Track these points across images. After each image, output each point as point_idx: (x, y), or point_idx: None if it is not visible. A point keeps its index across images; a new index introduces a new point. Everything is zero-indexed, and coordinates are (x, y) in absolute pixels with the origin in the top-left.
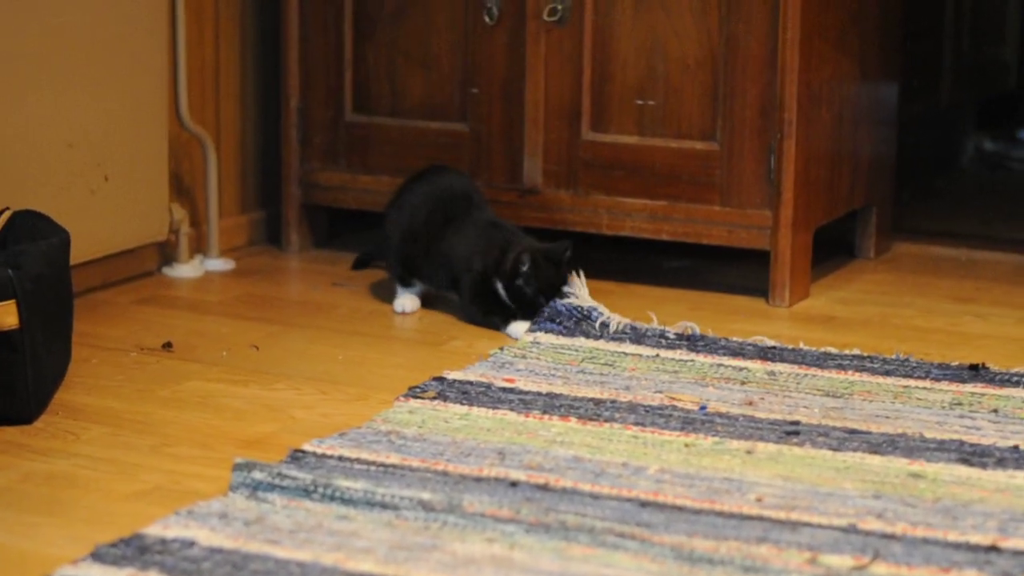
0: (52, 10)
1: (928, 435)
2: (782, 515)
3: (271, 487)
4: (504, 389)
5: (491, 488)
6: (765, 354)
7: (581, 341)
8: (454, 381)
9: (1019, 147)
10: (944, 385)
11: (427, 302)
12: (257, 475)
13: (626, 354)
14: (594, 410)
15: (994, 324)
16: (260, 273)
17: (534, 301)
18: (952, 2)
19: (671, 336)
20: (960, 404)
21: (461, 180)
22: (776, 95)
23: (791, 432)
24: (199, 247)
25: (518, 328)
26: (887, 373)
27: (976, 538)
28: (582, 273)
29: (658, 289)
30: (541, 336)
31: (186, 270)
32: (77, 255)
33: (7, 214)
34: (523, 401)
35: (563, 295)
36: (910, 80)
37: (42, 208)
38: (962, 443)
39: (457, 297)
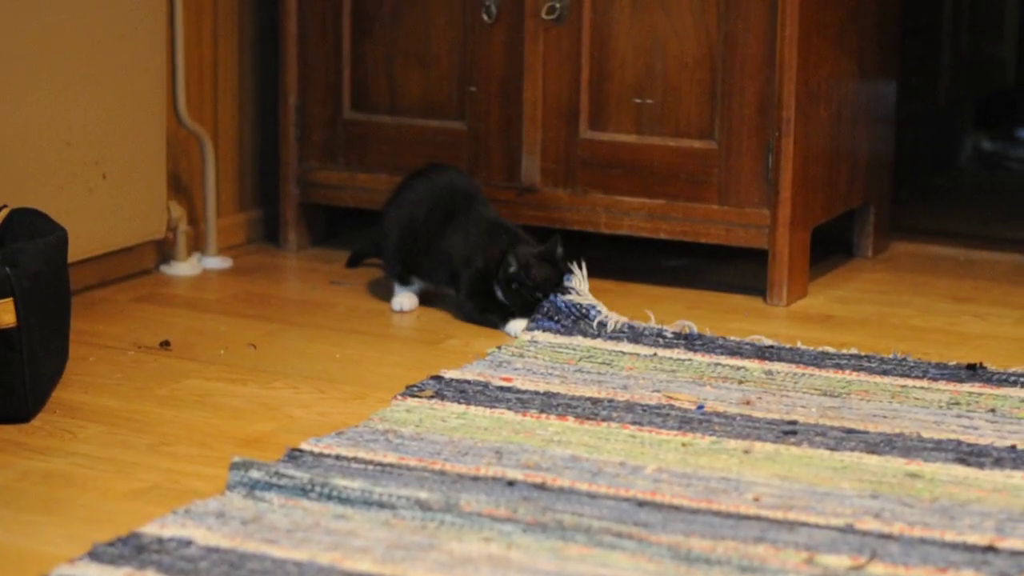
0: (50, 8)
1: (925, 435)
2: (779, 515)
3: (268, 486)
4: (501, 388)
5: (488, 487)
6: (763, 353)
7: (579, 340)
8: (451, 380)
9: (1017, 146)
10: (942, 385)
11: (425, 300)
12: (254, 474)
13: (624, 353)
14: (591, 409)
15: (992, 324)
16: (258, 271)
17: (530, 300)
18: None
19: (669, 335)
20: (958, 404)
21: (462, 178)
22: (774, 93)
23: (788, 432)
24: (197, 245)
25: (516, 326)
26: (885, 373)
27: (973, 538)
28: (584, 266)
29: (656, 288)
30: (539, 335)
31: (184, 268)
32: (75, 253)
33: (5, 212)
34: (520, 400)
35: (563, 290)
36: (908, 78)
37: (40, 206)
38: (959, 443)
39: (455, 293)
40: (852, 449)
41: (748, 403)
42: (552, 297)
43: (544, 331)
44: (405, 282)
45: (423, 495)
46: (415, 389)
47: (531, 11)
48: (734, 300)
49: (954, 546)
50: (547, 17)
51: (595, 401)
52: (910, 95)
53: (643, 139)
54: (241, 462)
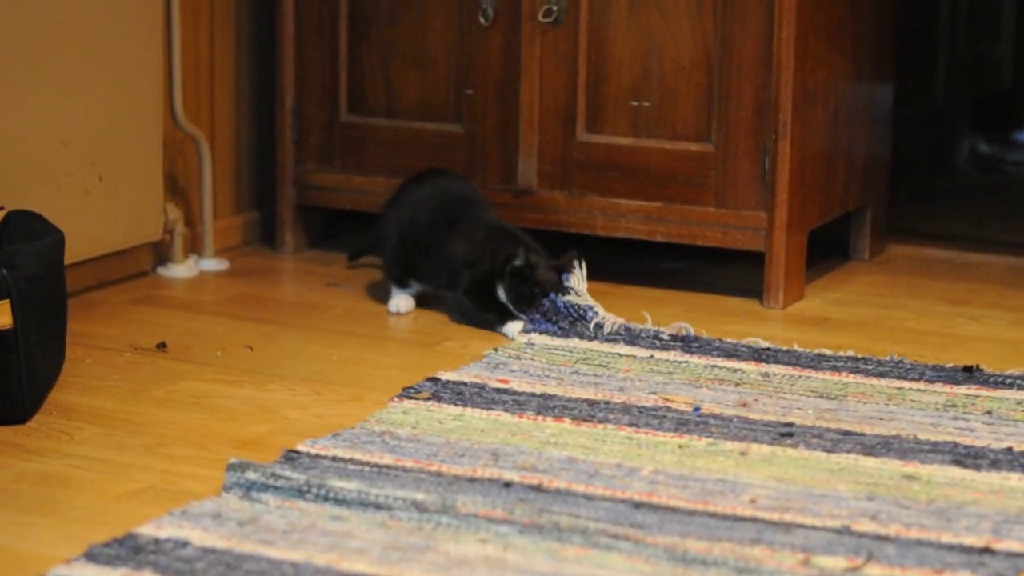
0: (47, 9)
1: (922, 437)
2: (776, 516)
3: (265, 487)
4: (498, 390)
5: (485, 489)
6: (759, 355)
7: (575, 342)
8: (448, 382)
9: (1014, 149)
10: (938, 387)
11: (422, 303)
12: (251, 475)
13: (620, 355)
14: (588, 411)
15: (988, 326)
16: (255, 273)
17: (529, 296)
18: (947, 1)
19: (665, 337)
20: (954, 406)
21: (463, 183)
22: (771, 96)
23: (785, 434)
24: (194, 247)
25: (513, 328)
26: (881, 375)
27: (970, 540)
28: (583, 265)
29: (652, 290)
30: (535, 337)
31: (181, 270)
32: (72, 255)
33: (2, 214)
34: (517, 402)
35: (563, 290)
36: (905, 80)
37: (37, 208)
38: (956, 445)
39: (452, 293)
40: (848, 451)
41: (745, 405)
42: (552, 296)
43: (541, 333)
44: (403, 285)
45: (419, 496)
46: (412, 391)
47: (528, 14)
48: (731, 302)
49: (950, 548)
50: (544, 20)
51: (592, 403)
52: (907, 97)
53: (640, 142)
54: (237, 463)
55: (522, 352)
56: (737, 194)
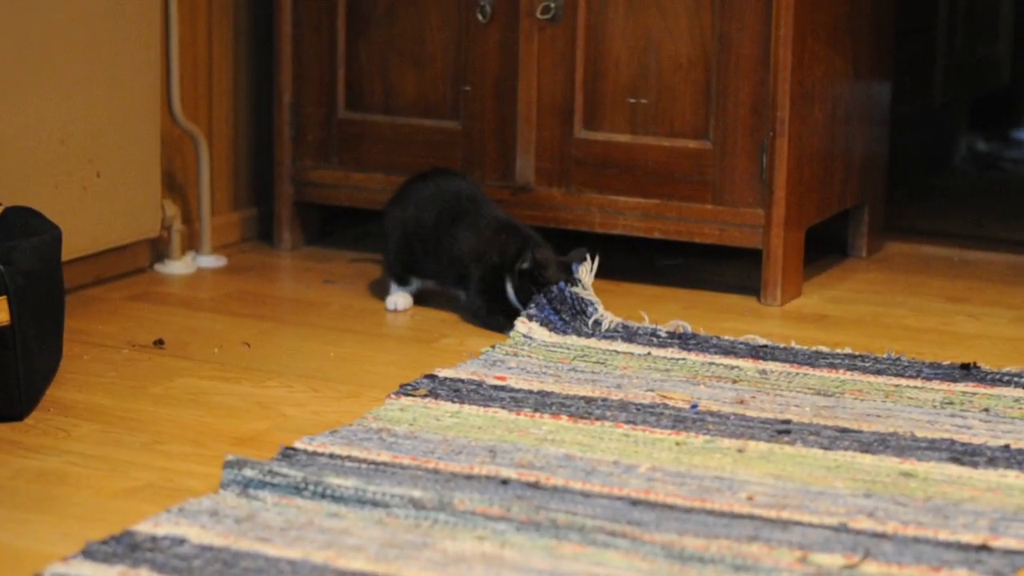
0: (45, 8)
1: (919, 434)
2: (773, 514)
3: (262, 484)
4: (495, 387)
5: (482, 486)
6: (756, 353)
7: (573, 339)
8: (445, 379)
9: (1012, 147)
10: (935, 384)
11: (419, 299)
12: (248, 472)
13: (618, 352)
14: (585, 408)
15: (986, 324)
16: (252, 270)
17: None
18: (945, 0)
19: (663, 334)
20: (951, 403)
21: (467, 182)
22: (769, 93)
23: (782, 431)
24: (191, 244)
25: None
26: (878, 372)
27: (967, 537)
28: (590, 259)
29: (650, 287)
30: (535, 329)
31: (178, 267)
32: (69, 251)
33: (0, 210)
34: (514, 399)
35: (572, 281)
36: (903, 78)
37: (34, 204)
38: (953, 442)
39: (464, 295)
40: (846, 448)
41: (742, 402)
42: (561, 285)
43: (542, 325)
44: (403, 282)
45: (417, 494)
46: (409, 388)
47: (526, 11)
48: (728, 300)
49: (948, 545)
50: (542, 17)
51: (589, 400)
52: (905, 95)
53: (637, 139)
54: (235, 460)
55: (519, 349)
56: (735, 191)
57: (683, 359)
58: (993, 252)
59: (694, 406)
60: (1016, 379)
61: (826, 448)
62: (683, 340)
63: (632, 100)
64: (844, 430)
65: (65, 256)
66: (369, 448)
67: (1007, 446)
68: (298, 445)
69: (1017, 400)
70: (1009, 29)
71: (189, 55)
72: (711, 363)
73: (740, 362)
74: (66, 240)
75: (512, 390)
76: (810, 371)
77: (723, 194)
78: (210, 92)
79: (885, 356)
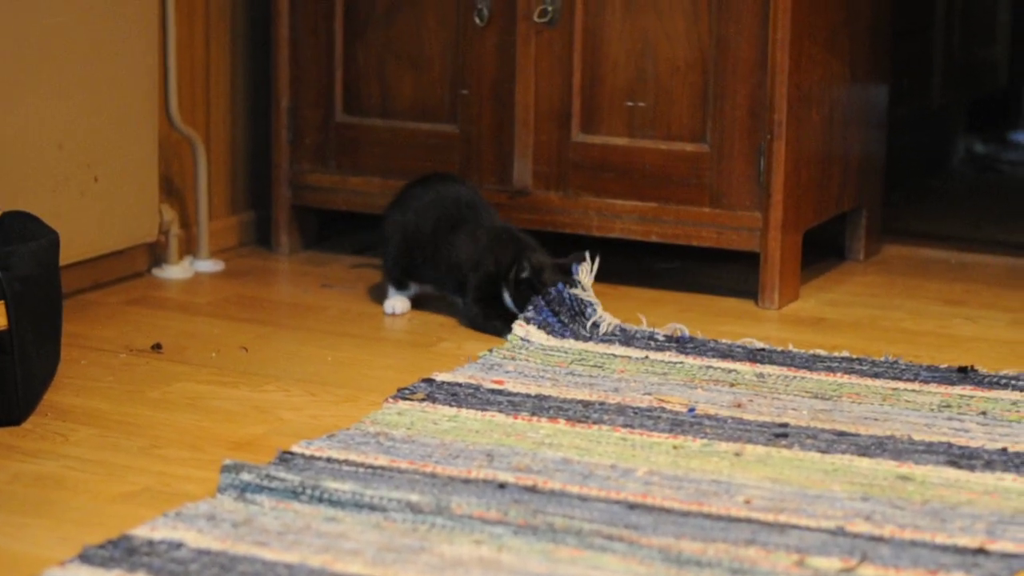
0: (42, 11)
1: (916, 437)
2: (770, 517)
3: (259, 489)
4: (493, 391)
5: (479, 490)
6: (754, 356)
7: (570, 343)
8: (443, 383)
9: (1009, 149)
10: (933, 387)
11: (417, 303)
12: (245, 477)
13: (615, 356)
14: (583, 412)
15: (984, 327)
16: (250, 274)
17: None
18: (942, 2)
19: (660, 338)
20: (949, 406)
21: (466, 188)
22: (766, 97)
23: (780, 434)
24: (189, 248)
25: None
26: (876, 375)
27: (964, 540)
28: (590, 259)
29: (647, 291)
30: (532, 333)
31: (176, 271)
32: (67, 256)
33: None
34: (512, 403)
35: (571, 282)
36: (900, 81)
37: (32, 209)
38: (950, 445)
39: (461, 302)
40: (843, 452)
41: (739, 406)
42: (559, 286)
43: (540, 327)
44: (402, 287)
45: (414, 497)
46: (406, 392)
47: (523, 14)
48: (726, 303)
49: (945, 548)
50: (539, 20)
51: (586, 404)
52: (902, 98)
53: (635, 142)
54: (232, 465)
55: (517, 353)
56: (732, 194)
57: (681, 363)
58: (991, 255)
59: (691, 410)
60: (1014, 382)
61: (823, 451)
62: (681, 344)
63: (629, 103)
64: (841, 433)
65: (63, 260)
66: (366, 452)
67: (1004, 449)
68: (295, 449)
69: (1014, 403)
70: (1006, 31)
71: (187, 59)
72: (708, 367)
73: (738, 366)
74: (64, 244)
75: (509, 394)
76: (807, 374)
77: (720, 197)
78: (207, 96)
79: (882, 359)
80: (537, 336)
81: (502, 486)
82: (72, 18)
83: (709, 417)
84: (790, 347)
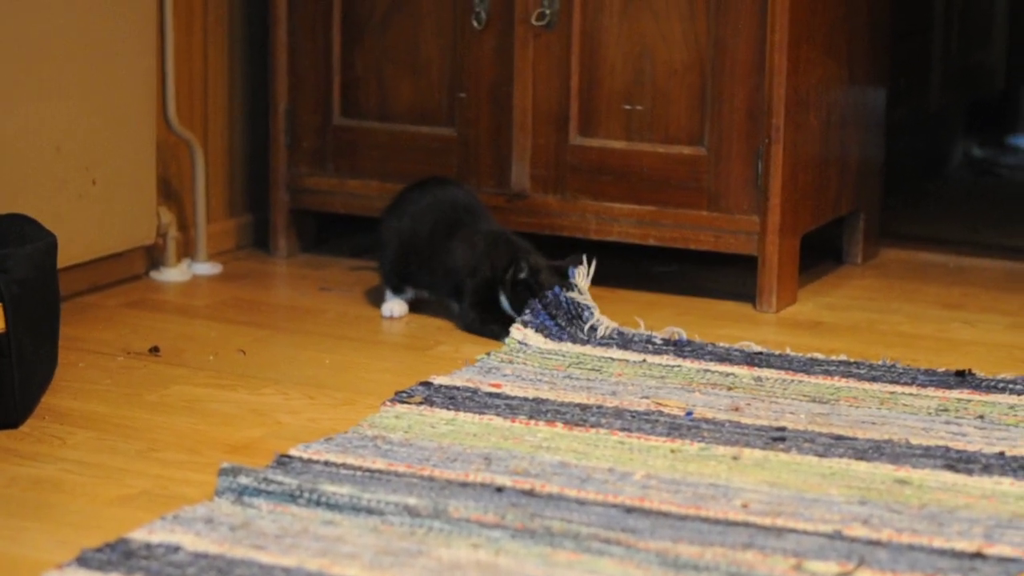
0: (41, 15)
1: (914, 441)
2: (768, 521)
3: (257, 492)
4: (490, 394)
5: (477, 493)
6: (752, 360)
7: (568, 346)
8: (441, 386)
9: (1007, 153)
10: (930, 391)
11: (415, 307)
12: (243, 480)
13: (613, 359)
14: (580, 415)
15: (981, 330)
16: (248, 277)
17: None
18: (940, 5)
19: (658, 341)
20: (946, 410)
21: (464, 192)
22: (764, 100)
23: (777, 438)
24: (187, 251)
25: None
26: (873, 379)
27: (962, 544)
28: (587, 263)
29: (645, 294)
30: (530, 336)
31: (174, 274)
32: (64, 259)
33: None
34: (509, 406)
35: (567, 286)
36: (898, 84)
37: (29, 212)
38: (948, 449)
39: (458, 307)
40: (841, 455)
41: (737, 409)
42: (556, 290)
43: (537, 330)
44: (399, 291)
45: (411, 501)
46: (404, 395)
47: (521, 17)
48: (723, 306)
49: (942, 552)
50: (537, 23)
51: (584, 407)
52: (900, 101)
53: (633, 145)
54: (230, 468)
55: (515, 356)
56: (730, 198)
57: (678, 366)
58: (988, 259)
59: (689, 413)
60: (1011, 386)
61: (821, 455)
62: (678, 347)
63: (627, 106)
64: (839, 437)
65: (60, 263)
66: (364, 456)
67: (1002, 453)
68: (293, 452)
69: (1012, 407)
70: (1004, 34)
71: (185, 62)
72: (706, 370)
73: (735, 369)
74: (61, 247)
75: (507, 397)
76: (805, 378)
77: (718, 200)
78: (205, 99)
79: (880, 363)
80: (535, 340)
81: (500, 490)
82: (70, 21)
83: (707, 421)
84: (788, 351)
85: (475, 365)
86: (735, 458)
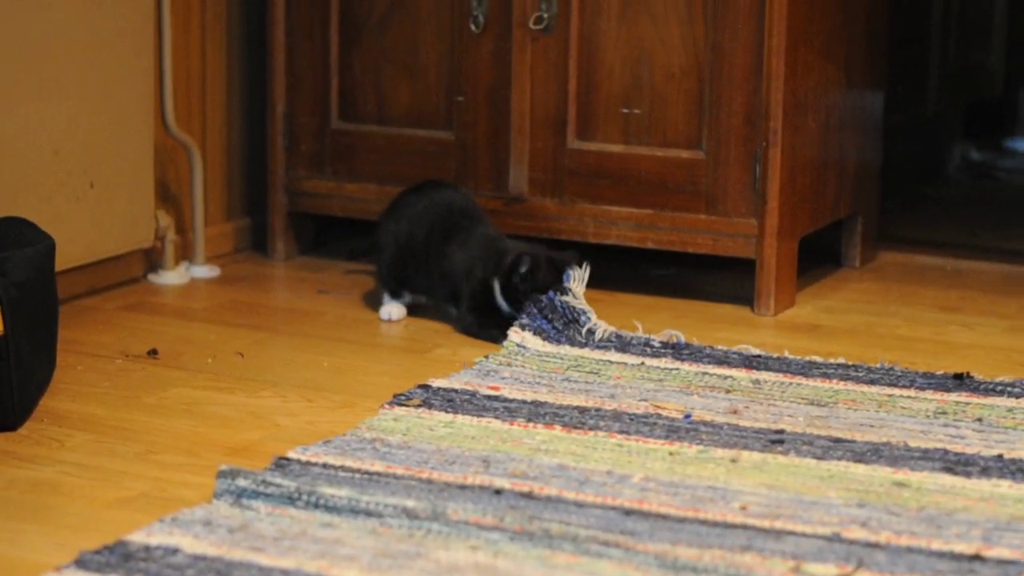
0: (38, 17)
1: (912, 444)
2: (766, 523)
3: (255, 494)
4: (489, 397)
5: (475, 496)
6: (750, 363)
7: (566, 349)
8: (439, 389)
9: (1005, 156)
10: (929, 394)
11: (412, 310)
12: (241, 482)
13: (611, 362)
14: (579, 418)
15: (980, 333)
16: (246, 280)
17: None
18: (938, 9)
19: (656, 344)
20: (944, 413)
21: (461, 196)
22: (762, 103)
23: (776, 441)
24: (185, 254)
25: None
26: (872, 382)
27: (960, 547)
28: (585, 267)
29: (643, 297)
30: (528, 339)
31: (172, 277)
32: (63, 262)
33: None
34: (508, 409)
35: (562, 290)
36: (896, 88)
37: (28, 215)
38: (946, 452)
39: (455, 311)
40: (839, 458)
41: (735, 412)
42: (551, 294)
43: (535, 333)
44: (396, 295)
45: (410, 504)
46: (402, 398)
47: (519, 21)
48: (722, 309)
49: (941, 555)
50: (535, 27)
51: (582, 410)
52: (898, 105)
53: (631, 149)
54: (228, 470)
55: (513, 359)
56: (728, 201)
57: (677, 369)
58: (986, 262)
59: (687, 416)
60: (1009, 389)
61: (819, 458)
62: (676, 350)
63: (625, 110)
64: (837, 440)
65: (59, 266)
66: (363, 458)
67: (1000, 456)
68: (292, 455)
69: (1010, 410)
70: (1003, 38)
71: (182, 65)
72: (704, 373)
73: (733, 372)
74: (60, 250)
75: (506, 400)
76: (803, 381)
77: (716, 204)
78: (203, 102)
79: (878, 366)
80: (533, 342)
81: (498, 492)
82: (67, 24)
83: (705, 423)
84: (786, 353)
85: (473, 368)
86: (733, 460)
